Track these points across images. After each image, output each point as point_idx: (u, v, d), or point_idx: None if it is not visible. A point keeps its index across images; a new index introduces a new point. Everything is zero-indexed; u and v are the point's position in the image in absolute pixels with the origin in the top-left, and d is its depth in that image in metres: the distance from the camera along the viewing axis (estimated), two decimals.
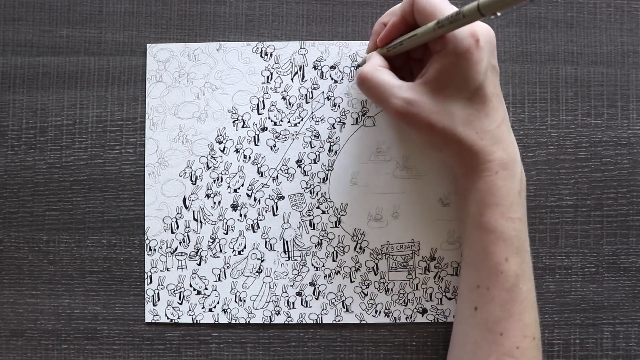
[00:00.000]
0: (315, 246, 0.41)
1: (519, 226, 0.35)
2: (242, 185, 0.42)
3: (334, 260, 0.41)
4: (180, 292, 0.41)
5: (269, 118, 0.42)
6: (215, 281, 0.41)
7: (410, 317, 0.41)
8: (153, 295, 0.41)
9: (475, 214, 0.35)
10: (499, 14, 0.29)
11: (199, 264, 0.41)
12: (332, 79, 0.42)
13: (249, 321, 0.41)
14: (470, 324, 0.36)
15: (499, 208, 0.35)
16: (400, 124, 0.36)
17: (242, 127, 0.42)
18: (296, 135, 0.42)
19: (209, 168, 0.42)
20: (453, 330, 0.38)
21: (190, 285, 0.41)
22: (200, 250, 0.41)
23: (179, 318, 0.41)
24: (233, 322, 0.41)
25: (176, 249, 0.42)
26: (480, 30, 0.34)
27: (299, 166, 0.42)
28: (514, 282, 0.34)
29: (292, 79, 0.42)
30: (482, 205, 0.35)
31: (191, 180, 0.42)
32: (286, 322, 0.41)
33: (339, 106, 0.42)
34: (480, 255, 0.35)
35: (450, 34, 0.33)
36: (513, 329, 0.34)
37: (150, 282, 0.41)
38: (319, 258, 0.41)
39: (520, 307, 0.34)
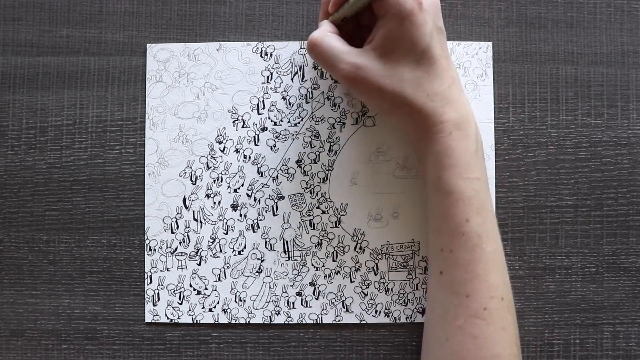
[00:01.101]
0: (315, 246, 0.41)
1: (478, 186, 0.35)
2: (242, 185, 0.42)
3: (334, 260, 0.41)
4: (180, 292, 0.41)
5: (269, 118, 0.42)
6: (215, 281, 0.41)
7: (410, 317, 0.41)
8: (153, 295, 0.41)
9: (433, 177, 0.35)
10: None
11: (199, 264, 0.41)
12: (332, 79, 0.42)
13: (249, 321, 0.41)
14: (437, 287, 0.36)
15: (455, 169, 0.35)
16: (350, 89, 0.37)
17: (242, 127, 0.42)
18: (296, 135, 0.42)
19: (209, 168, 0.42)
20: (427, 297, 0.38)
21: (190, 285, 0.41)
22: (200, 250, 0.41)
23: (179, 318, 0.41)
24: (233, 322, 0.41)
25: (176, 249, 0.42)
26: None
27: (299, 166, 0.42)
28: (476, 242, 0.34)
29: (292, 79, 0.42)
30: (439, 167, 0.35)
31: (191, 180, 0.42)
32: (286, 322, 0.41)
33: (339, 106, 0.42)
34: (441, 219, 0.35)
35: None
36: (479, 290, 0.34)
37: (150, 282, 0.41)
38: (319, 258, 0.41)
39: (485, 267, 0.34)
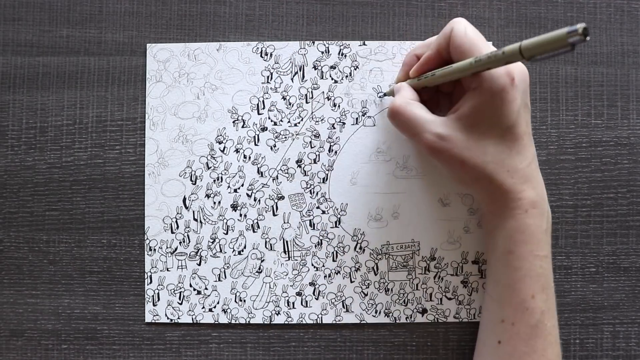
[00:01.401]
0: (315, 246, 0.41)
1: (546, 264, 0.35)
2: (242, 185, 0.42)
3: (334, 260, 0.41)
4: (180, 292, 0.41)
5: (269, 118, 0.42)
6: (215, 281, 0.41)
7: (410, 317, 0.41)
8: (153, 295, 0.41)
9: (503, 250, 0.35)
10: (538, 57, 0.29)
11: (199, 264, 0.41)
12: (332, 79, 0.42)
13: (249, 321, 0.41)
14: (494, 357, 0.36)
15: (527, 246, 0.35)
16: (432, 159, 0.36)
17: (242, 127, 0.42)
18: (296, 135, 0.42)
19: (209, 168, 0.42)
20: None
21: (190, 285, 0.41)
22: (200, 250, 0.41)
23: (179, 318, 0.41)
24: (233, 322, 0.41)
25: (176, 249, 0.42)
26: (515, 69, 0.34)
27: (299, 166, 0.42)
28: (539, 318, 0.35)
29: (292, 79, 0.42)
30: (510, 242, 0.35)
31: (191, 180, 0.42)
32: (286, 322, 0.41)
33: (339, 106, 0.42)
34: (506, 291, 0.35)
35: (486, 72, 0.33)
36: None
37: (150, 282, 0.41)
38: (319, 258, 0.41)
39: (544, 343, 0.35)
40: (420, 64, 0.37)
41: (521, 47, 0.29)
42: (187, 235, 0.42)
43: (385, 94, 0.42)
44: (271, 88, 0.42)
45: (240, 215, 0.42)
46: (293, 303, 0.41)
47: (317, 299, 0.41)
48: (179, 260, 0.41)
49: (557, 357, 0.35)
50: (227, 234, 0.41)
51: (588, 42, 0.42)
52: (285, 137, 0.42)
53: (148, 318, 0.41)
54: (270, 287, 0.41)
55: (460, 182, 0.38)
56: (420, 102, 0.37)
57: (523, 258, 0.35)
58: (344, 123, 0.42)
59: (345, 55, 0.42)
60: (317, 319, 0.41)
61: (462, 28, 0.35)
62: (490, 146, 0.35)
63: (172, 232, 0.42)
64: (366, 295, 0.41)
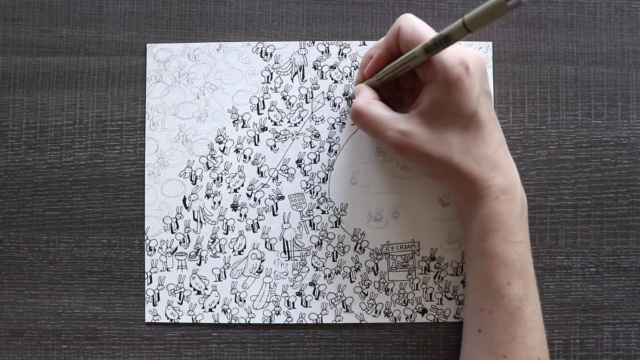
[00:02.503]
0: (315, 246, 0.41)
1: (521, 249, 0.35)
2: (242, 185, 0.42)
3: (334, 260, 0.41)
4: (180, 292, 0.41)
5: (269, 118, 0.42)
6: (215, 281, 0.41)
7: (410, 317, 0.41)
8: (153, 295, 0.41)
9: (477, 239, 0.36)
10: (479, 27, 0.29)
11: (199, 264, 0.41)
12: (332, 79, 0.42)
13: (249, 321, 0.41)
14: (475, 345, 0.36)
15: (500, 233, 0.35)
16: (397, 156, 0.36)
17: (242, 127, 0.42)
18: (296, 135, 0.42)
19: (209, 168, 0.42)
20: (461, 349, 0.38)
21: (190, 285, 0.41)
22: (200, 250, 0.41)
23: (179, 318, 0.41)
24: (233, 322, 0.41)
25: (176, 249, 0.42)
26: (469, 57, 0.34)
27: (299, 166, 0.42)
28: (517, 305, 0.34)
29: (292, 79, 0.42)
30: (483, 230, 0.35)
31: (191, 180, 0.42)
32: (286, 322, 0.41)
33: (339, 106, 0.42)
34: (482, 280, 0.35)
35: (439, 63, 0.33)
36: (517, 352, 0.34)
37: (150, 282, 0.41)
38: (319, 258, 0.41)
39: (524, 329, 0.34)
40: (372, 63, 0.37)
41: (464, 21, 0.30)
42: (187, 235, 0.42)
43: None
44: (271, 88, 0.42)
45: (240, 215, 0.42)
46: (293, 303, 0.41)
47: (317, 299, 0.41)
48: (179, 260, 0.41)
49: (540, 343, 0.35)
50: (227, 234, 0.41)
51: (588, 42, 0.42)
52: (285, 137, 0.42)
53: (148, 318, 0.41)
54: (270, 287, 0.41)
55: (429, 176, 0.37)
56: (382, 101, 0.37)
57: (496, 245, 0.35)
58: (344, 123, 0.42)
59: (345, 55, 0.42)
60: (317, 319, 0.41)
61: (410, 24, 0.35)
62: (454, 137, 0.34)
63: (172, 232, 0.42)
64: (366, 295, 0.41)
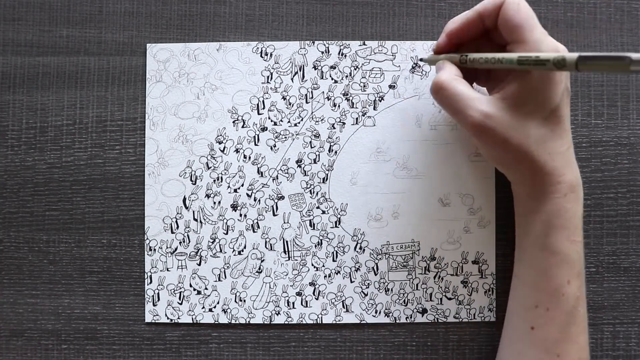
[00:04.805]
0: (315, 246, 0.41)
1: (580, 249, 0.35)
2: (242, 185, 0.42)
3: (334, 260, 0.41)
4: (180, 292, 0.41)
5: (269, 118, 0.42)
6: (215, 281, 0.41)
7: (410, 317, 0.41)
8: (153, 295, 0.41)
9: (539, 234, 0.35)
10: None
11: (199, 264, 0.41)
12: (332, 79, 0.42)
13: (249, 321, 0.41)
14: (526, 343, 0.36)
15: (565, 231, 0.35)
16: (474, 138, 0.36)
17: (242, 127, 0.42)
18: (296, 135, 0.42)
19: (209, 168, 0.42)
20: (502, 347, 0.38)
21: (190, 285, 0.41)
22: (200, 250, 0.41)
23: (179, 318, 0.41)
24: (233, 322, 0.41)
25: (176, 249, 0.42)
26: (562, 51, 0.34)
27: (299, 166, 0.42)
28: (573, 304, 0.35)
29: (292, 79, 0.42)
30: (548, 226, 0.35)
31: (191, 180, 0.42)
32: (286, 322, 0.41)
33: (339, 106, 0.42)
34: (541, 276, 0.35)
35: (536, 51, 0.33)
36: (570, 351, 0.34)
37: (150, 282, 0.41)
38: (319, 258, 0.41)
39: (578, 329, 0.35)
40: (459, 26, 0.36)
41: (578, 61, 0.29)
42: (187, 235, 0.42)
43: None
44: (271, 88, 0.42)
45: (240, 215, 0.42)
46: (293, 303, 0.41)
47: (317, 299, 0.41)
48: (179, 260, 0.41)
49: (587, 345, 0.35)
50: (227, 234, 0.41)
51: (588, 42, 0.42)
52: (285, 137, 0.42)
53: (148, 318, 0.41)
54: (270, 287, 0.41)
55: (499, 163, 0.37)
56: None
57: (560, 243, 0.35)
58: (344, 123, 0.42)
59: (345, 55, 0.42)
60: (317, 319, 0.41)
61: (516, 3, 0.34)
62: (533, 128, 0.34)
63: (172, 232, 0.42)
64: (366, 295, 0.41)
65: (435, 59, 0.38)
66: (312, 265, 0.41)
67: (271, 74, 0.42)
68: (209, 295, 0.41)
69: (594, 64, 0.29)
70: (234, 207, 0.42)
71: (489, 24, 0.36)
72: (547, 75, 0.33)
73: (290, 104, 0.42)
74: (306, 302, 0.41)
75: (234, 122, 0.42)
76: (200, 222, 0.42)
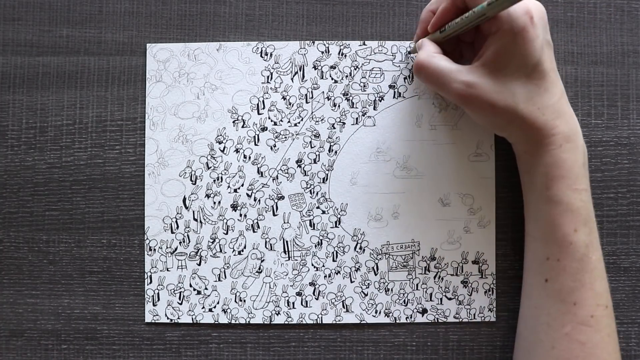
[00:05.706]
0: (315, 246, 0.41)
1: (585, 197, 0.36)
2: (242, 185, 0.42)
3: (334, 260, 0.41)
4: (180, 292, 0.41)
5: (269, 118, 0.42)
6: (215, 281, 0.41)
7: (410, 317, 0.41)
8: (153, 295, 0.41)
9: (541, 187, 0.36)
10: None
11: (199, 264, 0.41)
12: (332, 78, 0.42)
13: (249, 321, 0.41)
14: (542, 295, 0.36)
15: (565, 180, 0.35)
16: (462, 107, 0.37)
17: (242, 127, 0.42)
18: (296, 135, 0.42)
19: (209, 168, 0.42)
20: (522, 304, 0.38)
21: (190, 285, 0.41)
22: (200, 250, 0.41)
23: (179, 318, 0.41)
24: (233, 322, 0.41)
25: (176, 249, 0.42)
26: (533, 7, 0.34)
27: (299, 166, 0.42)
28: (583, 252, 0.35)
29: (292, 79, 0.42)
30: (548, 178, 0.35)
31: (191, 180, 0.42)
32: (286, 322, 0.41)
33: (339, 106, 0.42)
34: (548, 228, 0.36)
35: (504, 13, 0.34)
36: (586, 298, 0.35)
37: (150, 282, 0.41)
38: (319, 258, 0.41)
39: (591, 276, 0.35)
40: (437, 17, 0.37)
41: None
42: (187, 235, 0.42)
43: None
44: (271, 88, 0.42)
45: (240, 215, 0.42)
46: (293, 303, 0.41)
47: (317, 299, 0.41)
48: (179, 260, 0.41)
49: (606, 290, 0.36)
50: (227, 234, 0.41)
51: (588, 42, 0.42)
52: (285, 137, 0.42)
53: (148, 318, 0.41)
54: (270, 287, 0.41)
55: (493, 127, 0.38)
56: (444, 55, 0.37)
57: (562, 193, 0.35)
58: (344, 123, 0.42)
59: (345, 55, 0.42)
60: (317, 319, 0.41)
61: None
62: (518, 87, 0.35)
63: (172, 232, 0.41)
64: (366, 295, 0.41)
65: (419, 44, 0.39)
66: (312, 265, 0.41)
67: (271, 74, 0.42)
68: (209, 295, 0.41)
69: None
70: (234, 207, 0.42)
71: (461, 6, 0.36)
72: (520, 34, 0.34)
73: (290, 104, 0.42)
74: (306, 302, 0.41)
75: (234, 122, 0.42)
76: (200, 222, 0.42)
